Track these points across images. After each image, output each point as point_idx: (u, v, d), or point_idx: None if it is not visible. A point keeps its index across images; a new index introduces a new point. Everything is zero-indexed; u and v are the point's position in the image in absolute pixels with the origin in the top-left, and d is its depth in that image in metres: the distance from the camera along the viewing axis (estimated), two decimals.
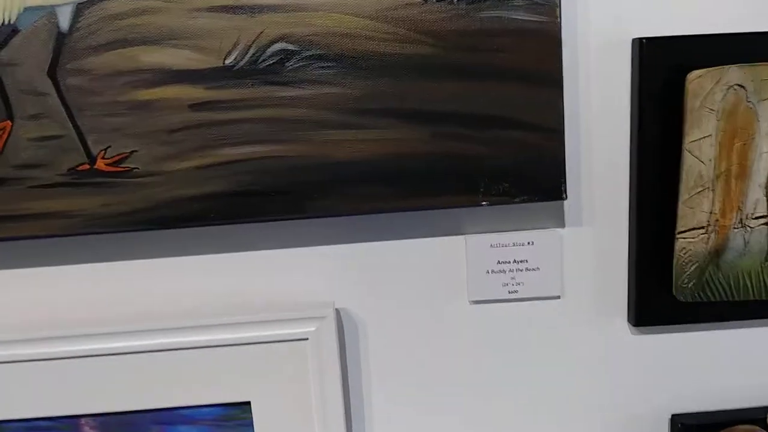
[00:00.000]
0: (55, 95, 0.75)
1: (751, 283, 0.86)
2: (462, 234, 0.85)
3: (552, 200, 0.79)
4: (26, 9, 0.73)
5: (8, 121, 0.75)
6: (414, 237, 0.86)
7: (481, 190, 0.78)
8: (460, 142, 0.77)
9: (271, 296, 0.85)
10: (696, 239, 0.83)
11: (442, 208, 0.79)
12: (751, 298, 0.86)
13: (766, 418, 0.88)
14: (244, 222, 0.79)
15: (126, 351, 0.82)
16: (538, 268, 0.86)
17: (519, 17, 0.75)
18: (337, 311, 0.86)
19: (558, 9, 0.75)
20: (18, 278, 0.83)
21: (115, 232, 0.78)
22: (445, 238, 0.86)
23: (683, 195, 0.81)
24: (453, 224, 0.85)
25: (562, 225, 0.86)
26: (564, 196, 0.79)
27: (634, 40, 0.81)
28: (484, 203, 0.79)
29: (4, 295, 0.84)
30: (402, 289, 0.87)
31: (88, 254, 0.83)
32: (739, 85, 0.79)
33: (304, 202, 0.78)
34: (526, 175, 0.78)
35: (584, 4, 0.80)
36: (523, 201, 0.79)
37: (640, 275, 0.86)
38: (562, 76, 0.76)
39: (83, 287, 0.84)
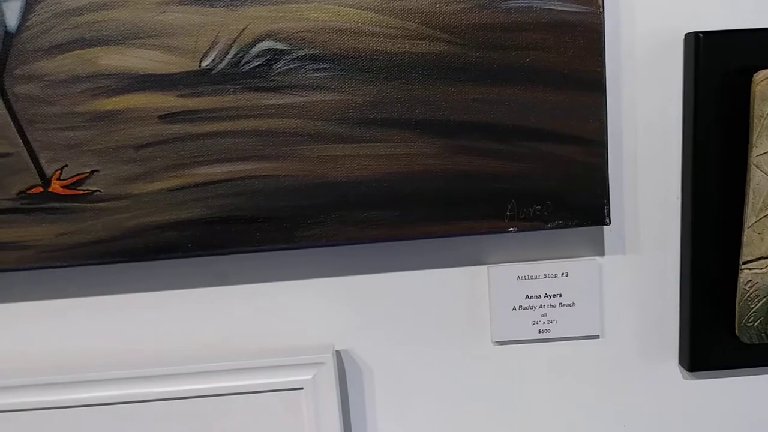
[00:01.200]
0: (2, 106, 0.63)
1: None
2: (484, 264, 0.73)
3: (592, 225, 0.67)
4: None
5: None
6: (427, 267, 0.74)
7: (508, 214, 0.66)
8: (482, 157, 0.65)
9: (259, 338, 0.74)
10: (764, 270, 0.70)
11: (460, 236, 0.67)
12: None
13: None
14: (226, 253, 0.67)
15: (94, 402, 0.71)
16: (573, 304, 0.74)
17: (554, 7, 0.63)
18: (338, 354, 0.74)
19: None
20: None
21: (75, 266, 0.66)
22: (464, 269, 0.74)
23: (749, 218, 0.69)
24: (473, 252, 0.73)
25: (602, 253, 0.74)
26: (607, 220, 0.67)
27: (687, 35, 0.69)
28: (511, 230, 0.66)
29: None
30: (413, 328, 0.75)
31: (42, 290, 0.72)
32: None
33: (296, 229, 0.66)
34: (561, 196, 0.66)
35: None
36: (558, 227, 0.66)
37: (695, 312, 0.74)
38: (605, 79, 0.64)
39: (39, 328, 0.73)
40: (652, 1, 0.69)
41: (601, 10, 0.63)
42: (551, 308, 0.74)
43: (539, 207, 0.66)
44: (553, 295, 0.74)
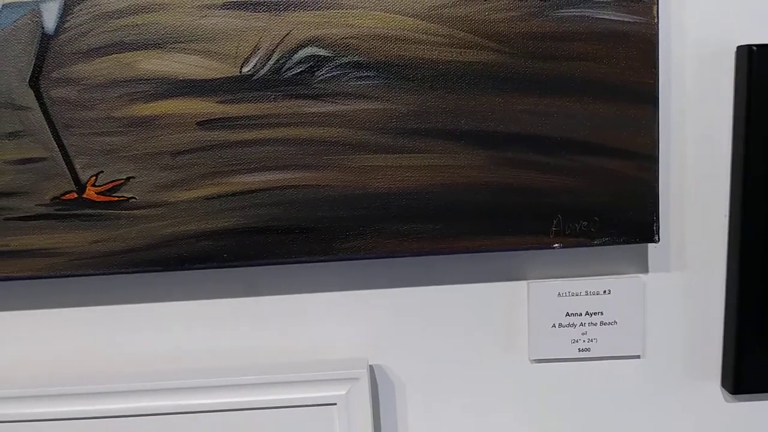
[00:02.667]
0: (38, 109, 0.62)
1: None
2: (523, 279, 0.71)
3: (641, 242, 0.65)
4: (4, 6, 0.61)
5: None
6: (464, 281, 0.72)
7: (554, 229, 0.64)
8: (529, 170, 0.63)
9: (291, 351, 0.72)
10: None
11: (503, 251, 0.65)
12: None
13: None
14: (262, 264, 0.65)
15: (125, 413, 0.69)
16: (615, 322, 0.71)
17: (607, 17, 0.61)
18: (371, 369, 0.72)
19: (656, 7, 0.60)
20: None
21: (108, 274, 0.65)
22: (503, 284, 0.72)
23: None
24: (513, 267, 0.71)
25: (645, 270, 0.71)
26: (656, 238, 0.65)
27: (740, 47, 0.66)
28: (556, 246, 0.64)
29: None
30: (448, 343, 0.73)
31: (74, 298, 0.70)
32: None
33: (334, 241, 0.64)
34: (609, 212, 0.64)
35: (678, 5, 0.66)
36: (605, 243, 0.64)
37: (740, 332, 0.71)
38: (657, 92, 0.62)
39: (70, 336, 0.71)
40: (702, 12, 0.67)
41: (655, 20, 0.61)
42: (592, 326, 0.72)
43: (586, 223, 0.64)
44: (595, 313, 0.72)
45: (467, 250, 0.65)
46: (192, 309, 0.71)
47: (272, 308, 0.71)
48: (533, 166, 0.63)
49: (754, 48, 0.66)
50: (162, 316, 0.71)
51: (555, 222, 0.64)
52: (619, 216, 0.64)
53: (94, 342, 0.71)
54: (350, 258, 0.65)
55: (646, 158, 0.63)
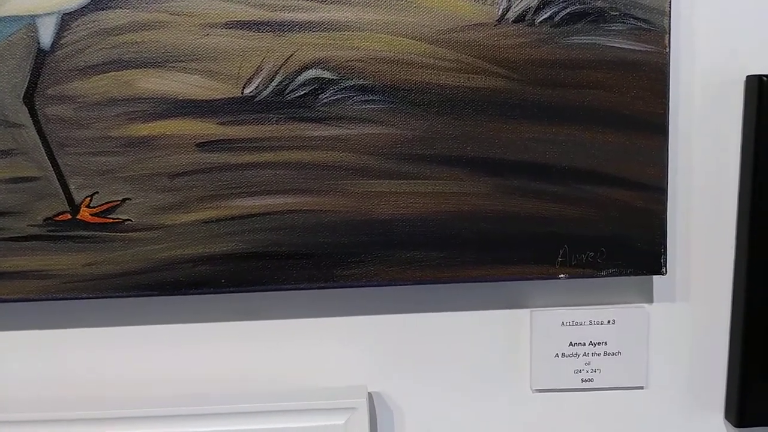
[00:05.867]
0: (32, 127, 0.60)
1: None
2: (525, 307, 0.70)
3: (647, 274, 0.63)
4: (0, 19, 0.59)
5: None
6: (466, 309, 0.70)
7: (560, 260, 0.63)
8: (535, 199, 0.62)
9: (289, 377, 0.70)
10: None
11: (508, 281, 0.64)
12: None
13: None
14: (261, 290, 0.63)
15: None
16: (619, 353, 0.70)
17: (618, 45, 0.60)
18: (370, 396, 0.70)
19: (667, 36, 0.59)
20: None
21: (100, 298, 0.63)
22: (505, 312, 0.70)
23: None
24: (515, 295, 0.70)
25: (650, 300, 0.70)
26: (663, 270, 0.63)
27: (749, 77, 0.66)
28: (562, 276, 0.63)
29: None
30: (448, 371, 0.71)
31: (65, 320, 0.68)
32: None
33: (335, 268, 0.63)
34: (617, 243, 0.63)
35: (687, 34, 0.65)
36: (612, 275, 0.63)
37: (744, 364, 0.70)
38: (668, 122, 0.61)
39: (61, 359, 0.69)
40: (711, 41, 0.66)
41: (667, 50, 0.60)
42: (596, 356, 0.71)
43: (593, 253, 0.62)
44: (599, 343, 0.70)
45: (471, 280, 0.63)
46: (187, 332, 0.69)
47: (269, 333, 0.70)
48: (540, 194, 0.62)
49: (764, 78, 0.65)
50: (155, 340, 0.69)
51: (561, 252, 0.63)
52: (626, 247, 0.63)
53: (84, 366, 0.69)
54: (352, 285, 0.63)
55: (655, 189, 0.62)
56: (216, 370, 0.70)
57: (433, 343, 0.71)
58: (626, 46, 0.60)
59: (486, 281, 0.63)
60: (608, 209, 0.62)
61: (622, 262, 0.63)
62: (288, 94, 0.60)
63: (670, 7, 0.59)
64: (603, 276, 0.63)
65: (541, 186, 0.62)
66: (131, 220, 0.62)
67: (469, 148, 0.61)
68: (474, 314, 0.71)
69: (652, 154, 0.61)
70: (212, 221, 0.62)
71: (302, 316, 0.70)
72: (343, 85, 0.60)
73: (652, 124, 0.61)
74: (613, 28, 0.59)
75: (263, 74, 0.60)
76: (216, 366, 0.70)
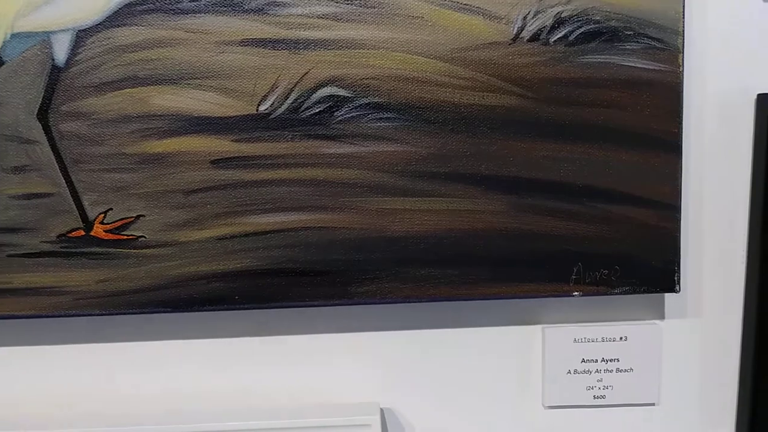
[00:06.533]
0: (46, 143, 0.60)
1: None
2: (537, 323, 0.70)
3: (661, 292, 0.63)
4: (14, 35, 0.59)
5: None
6: (478, 325, 0.70)
7: (573, 277, 0.63)
8: (549, 217, 0.62)
9: (301, 393, 0.70)
10: None
11: (521, 298, 0.64)
12: None
13: None
14: (275, 307, 0.63)
15: None
16: (631, 369, 0.70)
17: (632, 64, 0.60)
18: (382, 412, 0.70)
19: (681, 56, 0.60)
20: None
21: (114, 314, 0.63)
22: (518, 328, 0.70)
23: None
24: (528, 312, 0.70)
25: (662, 316, 0.70)
26: (677, 288, 0.64)
27: (760, 95, 0.66)
28: (575, 294, 0.63)
29: None
30: (460, 387, 0.71)
31: (78, 336, 0.68)
32: None
33: (350, 285, 0.63)
34: (630, 261, 0.63)
35: (699, 53, 0.65)
36: (626, 292, 0.63)
37: (756, 381, 0.70)
38: (681, 140, 0.61)
39: (75, 374, 0.69)
40: (722, 60, 0.66)
41: (680, 69, 0.60)
42: (608, 373, 0.71)
43: (606, 271, 0.62)
44: (611, 360, 0.70)
45: (486, 297, 0.63)
46: (199, 349, 0.69)
47: (282, 349, 0.69)
48: (554, 212, 0.62)
49: None
50: (168, 356, 0.69)
51: (575, 270, 0.63)
52: (640, 265, 0.63)
53: (98, 381, 0.69)
54: (366, 302, 0.63)
55: (668, 207, 0.62)
56: (229, 386, 0.70)
57: (446, 360, 0.71)
58: (640, 65, 0.60)
59: (500, 299, 0.63)
60: (622, 227, 0.62)
61: (636, 279, 0.63)
62: (303, 111, 0.60)
63: (683, 27, 0.60)
64: (617, 294, 0.63)
65: (555, 204, 0.62)
66: (145, 237, 0.62)
67: (483, 166, 0.61)
68: (486, 331, 0.71)
69: (665, 173, 0.61)
70: (226, 238, 0.62)
71: (315, 332, 0.70)
72: (358, 102, 0.61)
73: (665, 142, 0.61)
74: (627, 47, 0.60)
75: (278, 92, 0.60)
76: (229, 383, 0.70)
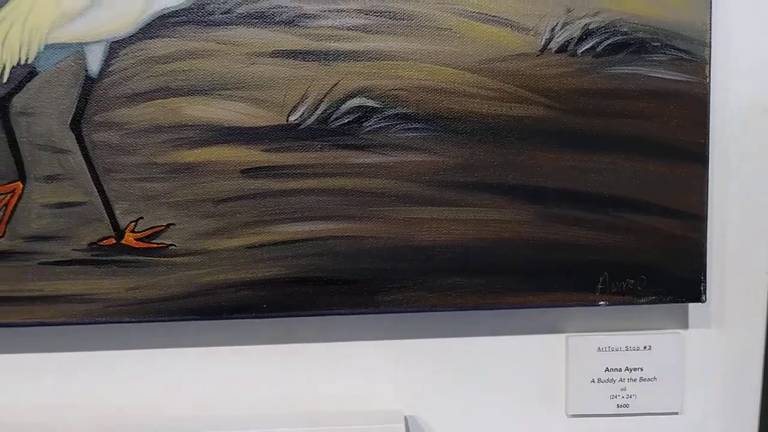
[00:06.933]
0: (78, 153, 0.61)
1: None
2: (562, 332, 0.70)
3: (687, 302, 0.64)
4: (48, 47, 0.60)
5: (19, 183, 0.61)
6: (502, 334, 0.70)
7: (600, 287, 0.63)
8: (576, 227, 0.62)
9: (326, 400, 0.70)
10: None
11: (548, 307, 0.64)
12: None
13: None
14: (303, 315, 0.64)
15: None
16: (654, 378, 0.70)
17: (659, 75, 0.60)
18: (406, 420, 0.71)
19: (707, 67, 0.60)
20: (24, 367, 0.69)
21: (144, 322, 0.64)
22: (541, 337, 0.70)
23: None
24: (551, 320, 0.70)
25: (685, 326, 0.71)
26: (703, 298, 0.64)
27: None
28: (601, 303, 0.63)
29: (3, 386, 0.69)
30: (485, 396, 0.71)
31: (107, 342, 0.68)
32: None
33: (377, 293, 0.63)
34: (656, 271, 0.63)
35: (723, 62, 0.65)
36: (652, 302, 0.63)
37: None
38: (708, 151, 0.62)
39: (101, 380, 0.69)
40: (747, 71, 0.66)
41: (707, 80, 0.60)
42: (632, 382, 0.71)
43: (632, 281, 0.63)
44: (635, 369, 0.70)
45: (512, 306, 0.64)
46: (224, 355, 0.69)
47: (307, 356, 0.70)
48: (581, 222, 0.62)
49: None
50: (196, 363, 0.69)
51: (601, 279, 0.63)
52: (666, 275, 0.63)
53: (127, 388, 0.69)
54: (393, 311, 0.63)
55: (694, 218, 0.62)
56: (254, 393, 0.70)
57: (469, 368, 0.71)
58: (667, 77, 0.61)
59: (526, 308, 0.64)
60: (648, 237, 0.63)
61: (662, 289, 0.64)
62: (332, 122, 0.61)
63: (710, 38, 0.60)
64: (643, 303, 0.64)
65: (581, 214, 0.62)
66: (175, 245, 0.62)
67: (510, 176, 0.62)
68: (510, 339, 0.71)
69: (692, 183, 0.62)
70: (255, 246, 0.62)
71: (339, 340, 0.70)
72: (386, 113, 0.61)
73: (692, 153, 0.62)
74: (655, 58, 0.60)
75: (308, 102, 0.61)
76: (254, 389, 0.70)
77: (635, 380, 0.71)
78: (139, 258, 0.62)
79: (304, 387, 0.70)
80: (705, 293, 0.64)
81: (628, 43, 0.60)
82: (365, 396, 0.71)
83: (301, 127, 0.61)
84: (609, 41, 0.60)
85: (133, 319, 0.63)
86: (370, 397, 0.71)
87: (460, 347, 0.71)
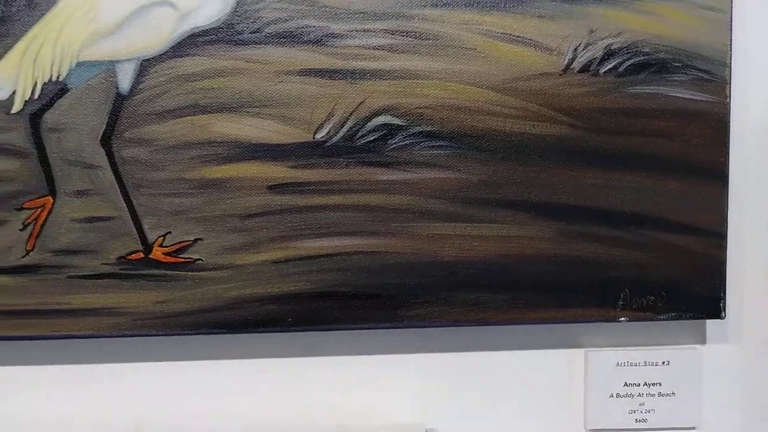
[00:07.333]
0: (108, 168, 0.62)
1: None
2: (581, 347, 0.71)
3: (706, 318, 0.65)
4: (79, 64, 0.61)
5: (49, 197, 0.62)
6: (521, 348, 0.71)
7: (621, 303, 0.64)
8: (598, 243, 0.63)
9: (346, 414, 0.71)
10: None
11: (569, 323, 0.65)
12: None
13: None
14: (327, 329, 0.65)
15: None
16: (672, 393, 0.71)
17: (680, 95, 0.61)
18: None
19: (728, 87, 0.61)
20: (51, 379, 0.69)
21: (170, 335, 0.64)
22: (561, 351, 0.71)
23: None
24: (571, 335, 0.71)
25: (703, 341, 0.71)
26: (722, 314, 0.65)
27: None
28: (622, 319, 0.64)
29: (33, 398, 0.69)
30: (504, 409, 0.72)
31: (134, 354, 0.69)
32: None
33: (400, 308, 0.64)
34: (677, 287, 0.64)
35: (742, 82, 0.67)
36: (672, 318, 0.64)
37: None
38: (728, 170, 0.63)
39: (128, 391, 0.69)
40: (764, 89, 0.68)
41: (728, 100, 0.62)
42: (650, 397, 0.71)
43: (653, 297, 0.64)
44: (653, 384, 0.71)
45: (534, 321, 0.64)
46: (247, 368, 0.70)
47: (328, 369, 0.70)
48: (602, 239, 0.63)
49: None
50: (217, 375, 0.70)
51: (622, 296, 0.64)
52: (686, 291, 0.64)
53: (152, 400, 0.70)
54: (416, 326, 0.64)
55: (715, 235, 0.63)
56: (276, 405, 0.71)
57: (489, 382, 0.72)
58: (688, 96, 0.62)
59: (549, 323, 0.65)
60: (669, 254, 0.64)
61: (682, 305, 0.64)
62: (358, 139, 0.62)
63: (730, 59, 0.61)
64: (663, 319, 0.65)
65: (603, 231, 0.63)
66: (202, 260, 0.63)
67: (533, 193, 0.63)
68: (530, 353, 0.71)
69: (712, 201, 0.63)
70: (281, 261, 0.63)
71: (361, 353, 0.71)
72: (411, 131, 0.62)
73: (712, 171, 0.63)
74: (676, 78, 0.61)
75: (334, 120, 0.62)
76: (276, 402, 0.71)
77: (654, 395, 0.72)
78: (167, 272, 0.63)
79: (325, 400, 0.71)
80: (725, 310, 0.65)
81: (650, 64, 0.61)
82: (386, 409, 0.71)
83: (328, 144, 0.62)
84: (631, 61, 0.61)
85: (160, 333, 0.64)
86: (391, 411, 0.72)
87: (480, 361, 0.72)
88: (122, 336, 0.64)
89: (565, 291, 0.64)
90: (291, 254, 0.63)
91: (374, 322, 0.64)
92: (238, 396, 0.70)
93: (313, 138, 0.62)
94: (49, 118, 0.61)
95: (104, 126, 0.62)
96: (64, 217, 0.63)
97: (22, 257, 0.62)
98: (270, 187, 0.62)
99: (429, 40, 0.61)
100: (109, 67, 0.61)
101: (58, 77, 0.61)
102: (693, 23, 0.61)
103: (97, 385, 0.69)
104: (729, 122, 0.62)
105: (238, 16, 0.60)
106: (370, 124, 0.62)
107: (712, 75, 0.61)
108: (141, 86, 0.61)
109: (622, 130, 0.62)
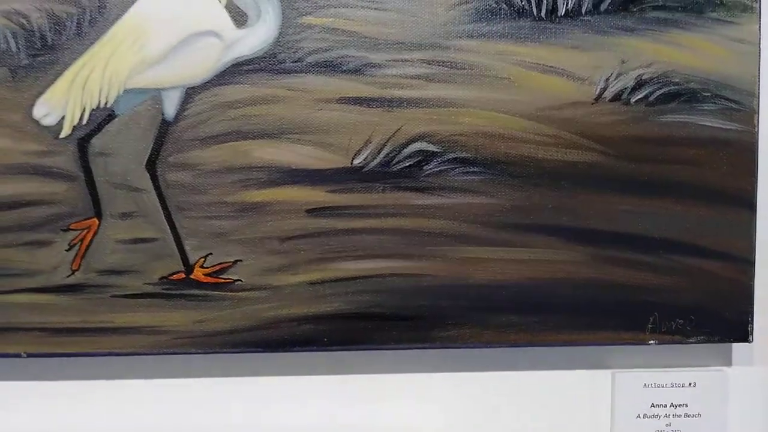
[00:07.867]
0: (153, 192, 0.64)
1: None
2: (608, 368, 0.72)
3: (735, 342, 0.66)
4: (126, 91, 0.63)
5: (95, 219, 0.64)
6: (549, 368, 0.72)
7: (650, 326, 0.65)
8: (628, 268, 0.65)
9: (376, 429, 0.72)
10: None
11: (599, 345, 0.66)
12: None
13: None
14: (362, 349, 0.66)
15: None
16: (699, 415, 0.72)
17: (709, 124, 0.63)
18: None
19: (756, 116, 0.63)
20: (91, 393, 0.71)
21: (209, 353, 0.66)
22: (588, 372, 0.72)
23: None
24: (598, 356, 0.72)
25: (729, 363, 0.72)
26: (750, 338, 0.66)
27: None
28: (651, 342, 0.65)
29: (75, 411, 0.71)
30: (532, 428, 0.73)
31: (174, 371, 0.70)
32: None
33: (433, 330, 0.65)
34: (705, 312, 0.65)
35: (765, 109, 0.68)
36: (701, 341, 0.65)
37: None
38: (756, 197, 0.64)
39: (168, 407, 0.71)
40: None
41: (756, 129, 0.63)
42: (676, 418, 0.72)
43: (682, 321, 0.65)
44: (680, 405, 0.72)
45: (565, 344, 0.66)
46: (284, 385, 0.71)
47: (359, 387, 0.72)
48: (632, 264, 0.65)
49: None
50: (251, 392, 0.71)
51: (651, 319, 0.65)
52: (714, 315, 0.65)
53: (185, 415, 0.71)
54: (449, 347, 0.66)
55: (743, 261, 0.65)
56: (306, 423, 0.72)
57: (516, 402, 0.73)
58: (717, 125, 0.63)
59: (579, 345, 0.66)
60: (697, 279, 0.65)
61: (710, 329, 0.66)
62: (394, 165, 0.64)
63: (759, 89, 0.63)
64: (692, 343, 0.66)
65: (633, 256, 0.65)
66: (242, 281, 0.65)
67: (564, 219, 0.64)
68: (557, 374, 0.73)
69: (740, 228, 0.64)
70: (318, 282, 0.65)
71: (390, 372, 0.72)
72: (446, 157, 0.64)
73: (741, 199, 0.64)
74: (705, 107, 0.63)
75: (372, 146, 0.64)
76: (306, 419, 0.72)
77: (680, 416, 0.73)
78: (207, 292, 0.65)
79: (351, 417, 0.72)
80: (752, 333, 0.66)
81: (680, 93, 0.63)
82: (416, 427, 0.73)
83: (365, 169, 0.64)
84: (661, 91, 0.63)
85: (199, 351, 0.65)
86: (421, 428, 0.73)
87: (506, 381, 0.73)
88: (163, 354, 0.66)
89: (595, 314, 0.65)
90: (328, 276, 0.65)
91: (408, 342, 0.65)
92: (274, 411, 0.71)
93: (351, 163, 0.64)
94: (97, 142, 0.64)
95: (149, 151, 0.64)
96: (109, 238, 0.65)
97: (68, 276, 0.64)
98: (308, 211, 0.64)
99: (464, 69, 0.63)
100: (155, 94, 0.64)
101: (105, 104, 0.63)
102: (722, 54, 0.62)
103: (137, 401, 0.71)
104: (757, 151, 0.63)
105: (281, 46, 0.62)
106: (407, 151, 0.64)
107: (740, 105, 0.63)
108: (186, 113, 0.64)
109: (653, 158, 0.63)
